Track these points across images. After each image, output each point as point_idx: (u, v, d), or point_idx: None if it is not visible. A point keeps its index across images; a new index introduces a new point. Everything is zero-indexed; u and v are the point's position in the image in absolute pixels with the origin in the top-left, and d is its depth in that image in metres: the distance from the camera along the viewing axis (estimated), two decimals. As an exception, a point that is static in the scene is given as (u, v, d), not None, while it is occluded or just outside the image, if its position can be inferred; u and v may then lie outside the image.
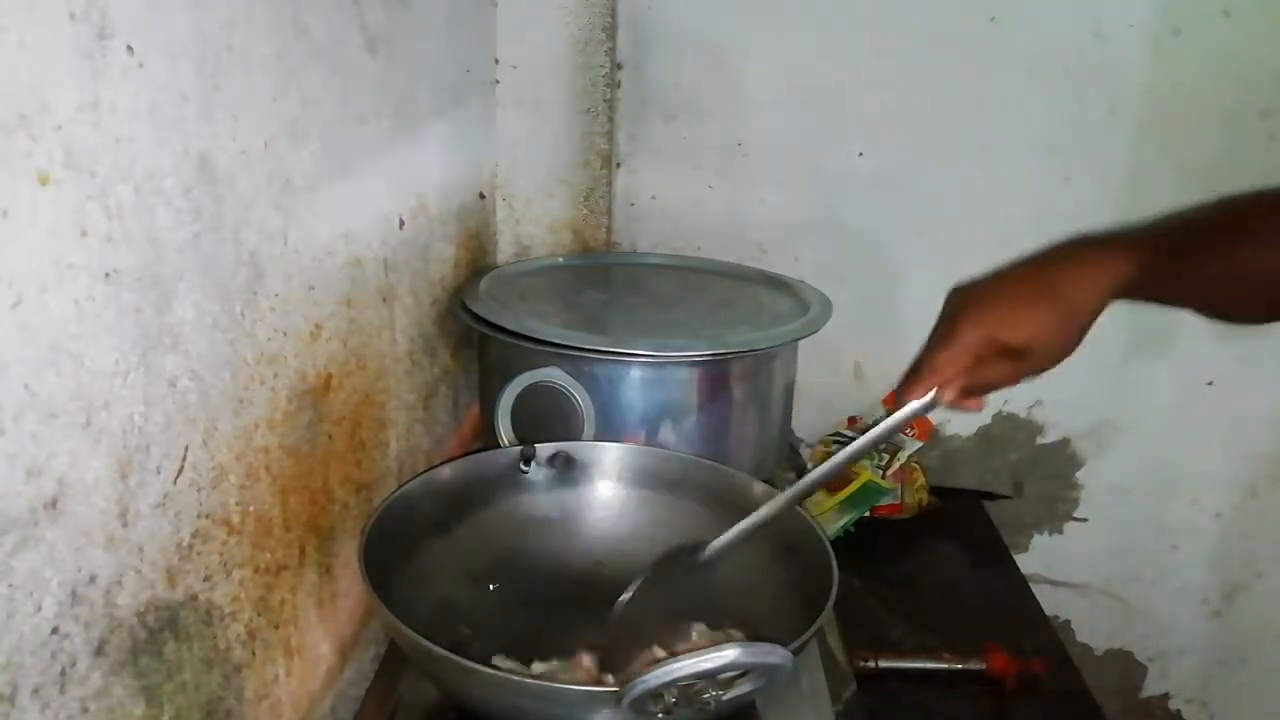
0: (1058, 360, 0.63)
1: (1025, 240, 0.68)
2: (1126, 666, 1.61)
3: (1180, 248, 0.64)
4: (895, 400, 0.68)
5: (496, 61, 1.23)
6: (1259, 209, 0.64)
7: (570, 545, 0.88)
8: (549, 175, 1.30)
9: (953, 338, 0.64)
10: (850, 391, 1.47)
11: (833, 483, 1.33)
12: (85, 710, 0.47)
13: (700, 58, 1.34)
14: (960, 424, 1.51)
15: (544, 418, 0.92)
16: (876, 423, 0.69)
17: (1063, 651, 1.17)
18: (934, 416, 1.45)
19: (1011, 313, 0.63)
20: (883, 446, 1.38)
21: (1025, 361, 0.63)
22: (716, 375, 0.99)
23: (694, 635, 0.75)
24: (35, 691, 0.43)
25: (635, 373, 0.95)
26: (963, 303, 0.65)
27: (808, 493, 0.73)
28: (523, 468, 0.88)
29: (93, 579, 0.47)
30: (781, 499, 0.73)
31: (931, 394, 0.65)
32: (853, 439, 1.40)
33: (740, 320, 1.06)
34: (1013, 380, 0.65)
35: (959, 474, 1.52)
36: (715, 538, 0.74)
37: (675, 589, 0.74)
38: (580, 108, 1.27)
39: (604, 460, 0.90)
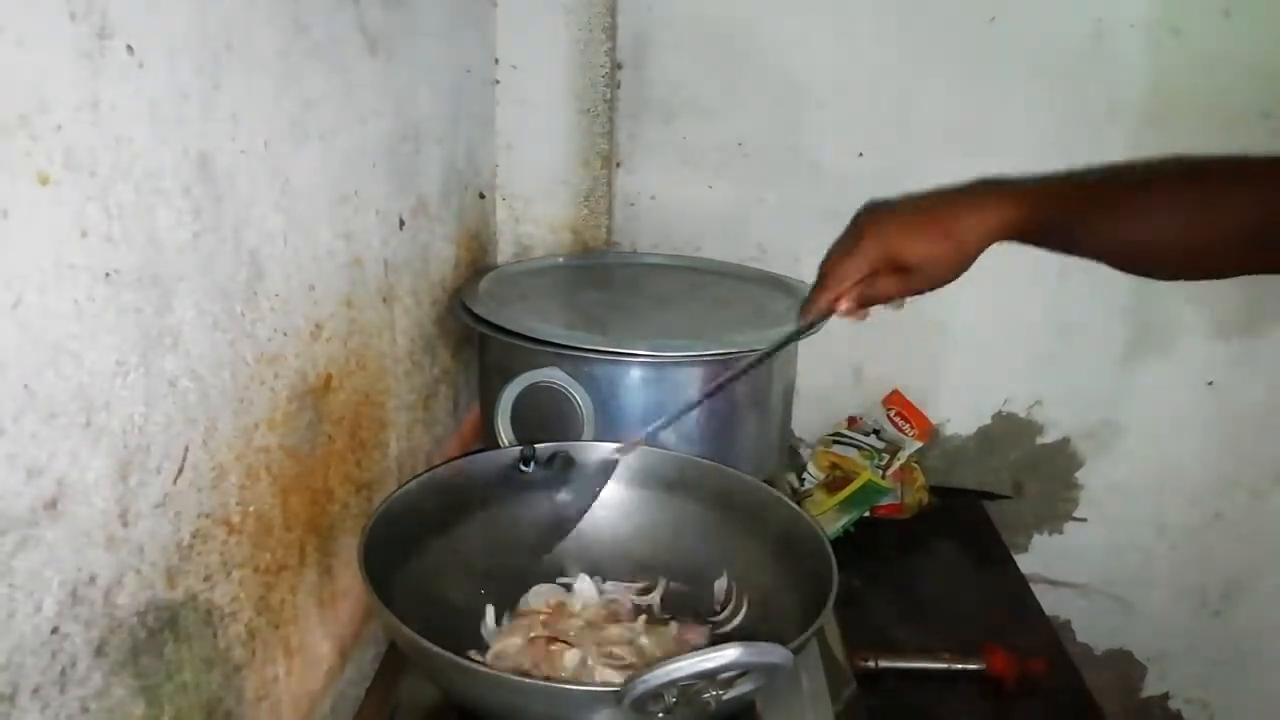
0: (940, 283, 0.72)
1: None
2: (1126, 666, 1.61)
3: (1073, 203, 0.69)
4: (804, 308, 0.80)
5: (496, 61, 1.23)
6: (1159, 179, 0.69)
7: (570, 545, 0.88)
8: (549, 175, 1.30)
9: (856, 247, 0.73)
10: (850, 392, 1.47)
11: (833, 483, 1.33)
12: (85, 710, 0.47)
13: (700, 58, 1.34)
14: (960, 424, 1.51)
15: (544, 418, 0.92)
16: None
17: (1063, 651, 1.17)
18: (933, 416, 1.46)
19: (910, 233, 0.72)
20: (883, 447, 1.38)
21: (911, 279, 0.72)
22: (716, 375, 0.98)
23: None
24: (35, 691, 0.43)
25: (635, 373, 0.95)
26: (869, 220, 0.74)
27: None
28: (523, 468, 0.87)
29: (93, 579, 0.47)
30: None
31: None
32: (853, 439, 1.41)
33: (740, 320, 1.06)
34: (897, 294, 0.73)
35: (959, 474, 1.52)
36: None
37: None
38: (580, 108, 1.27)
39: (604, 460, 0.90)
